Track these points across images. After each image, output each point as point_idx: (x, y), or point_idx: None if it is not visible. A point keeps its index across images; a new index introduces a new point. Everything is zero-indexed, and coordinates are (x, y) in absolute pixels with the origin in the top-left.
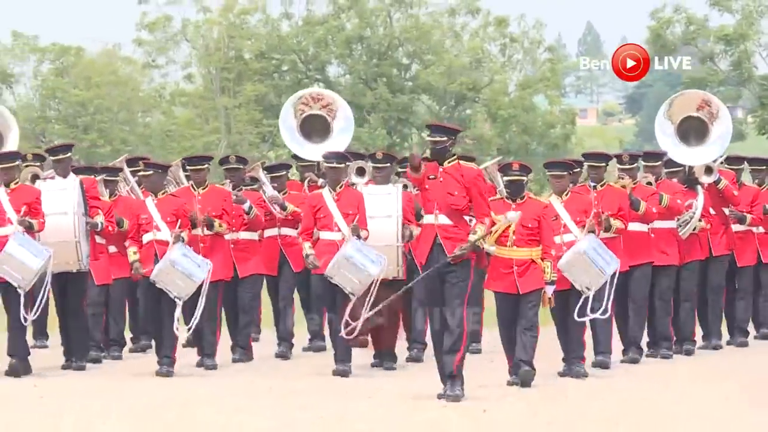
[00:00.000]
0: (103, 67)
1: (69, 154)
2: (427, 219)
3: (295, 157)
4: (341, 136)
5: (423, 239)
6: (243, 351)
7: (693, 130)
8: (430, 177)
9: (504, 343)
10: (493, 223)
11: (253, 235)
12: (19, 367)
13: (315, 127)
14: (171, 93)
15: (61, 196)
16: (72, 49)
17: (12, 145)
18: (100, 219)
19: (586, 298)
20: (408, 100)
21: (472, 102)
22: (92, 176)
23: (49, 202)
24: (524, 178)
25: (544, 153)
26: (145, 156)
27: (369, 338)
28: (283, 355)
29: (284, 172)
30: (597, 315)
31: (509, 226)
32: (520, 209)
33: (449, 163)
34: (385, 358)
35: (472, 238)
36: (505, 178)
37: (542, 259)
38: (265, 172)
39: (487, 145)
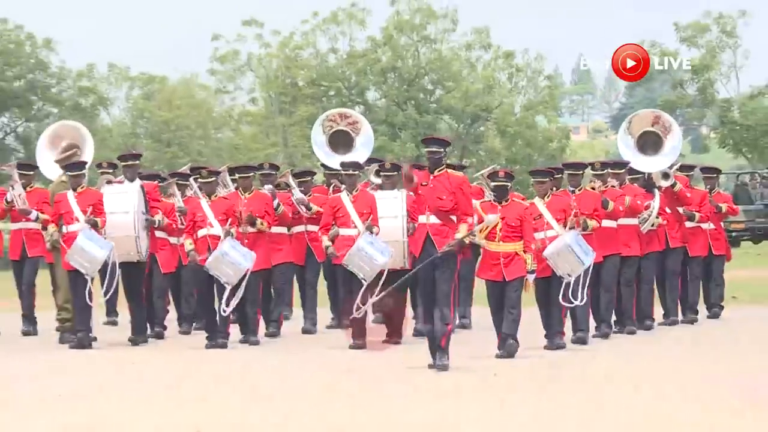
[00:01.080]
0: (183, 92)
1: (137, 162)
2: (421, 219)
3: (323, 165)
4: (362, 150)
5: (417, 235)
6: (276, 324)
7: (650, 143)
8: (423, 184)
9: (495, 323)
10: (481, 220)
11: (283, 230)
12: (85, 341)
13: (341, 141)
14: (238, 114)
15: (123, 198)
16: (157, 77)
17: (88, 155)
18: (158, 217)
19: (568, 284)
20: (432, 120)
21: (484, 121)
22: (154, 182)
23: (113, 202)
24: (508, 183)
25: (544, 163)
26: (206, 165)
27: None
28: (309, 331)
29: (309, 178)
30: (577, 303)
31: (496, 224)
32: (505, 210)
33: (439, 171)
34: (393, 335)
35: (457, 236)
36: (492, 184)
37: (524, 252)
38: (294, 177)
39: (497, 156)
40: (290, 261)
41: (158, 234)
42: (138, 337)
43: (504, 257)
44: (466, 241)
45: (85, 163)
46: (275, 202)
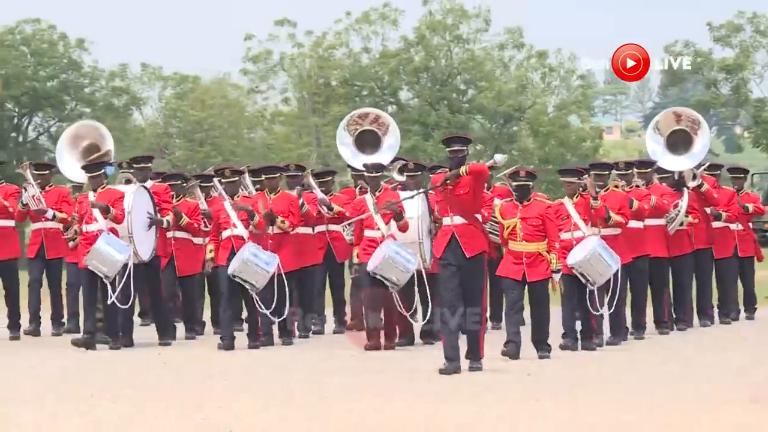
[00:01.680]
0: (216, 92)
1: (149, 164)
2: (445, 221)
3: (349, 166)
4: (389, 152)
5: (441, 237)
6: (288, 333)
7: (681, 141)
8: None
9: (508, 324)
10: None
11: (308, 230)
12: (91, 342)
13: (368, 141)
14: (271, 113)
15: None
16: (190, 77)
17: (108, 157)
18: (167, 218)
19: (592, 292)
20: (465, 119)
21: (517, 121)
22: (171, 181)
23: None
24: (530, 183)
25: (577, 163)
26: (230, 165)
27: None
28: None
29: (330, 178)
30: (607, 311)
31: (515, 225)
32: (526, 210)
33: None
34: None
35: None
36: (514, 183)
37: (548, 252)
38: (315, 177)
39: (530, 156)
40: (318, 263)
41: (179, 235)
42: (164, 338)
43: (527, 257)
44: (462, 172)
45: (104, 163)
46: (300, 201)
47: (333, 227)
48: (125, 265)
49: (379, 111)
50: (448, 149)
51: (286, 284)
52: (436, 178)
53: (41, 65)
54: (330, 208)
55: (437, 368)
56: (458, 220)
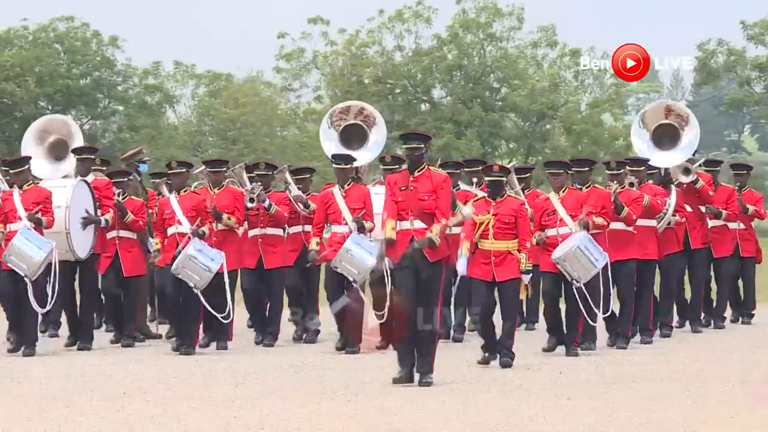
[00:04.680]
0: (248, 90)
1: (92, 156)
2: (403, 225)
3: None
4: (375, 148)
5: (399, 243)
6: (271, 336)
7: (667, 136)
8: (402, 188)
9: (480, 328)
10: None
11: (279, 231)
12: (18, 347)
13: (354, 136)
14: (304, 111)
15: (59, 193)
16: (223, 75)
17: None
18: (106, 217)
19: (585, 297)
20: (498, 117)
21: (550, 119)
22: (115, 179)
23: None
24: (504, 178)
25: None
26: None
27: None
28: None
29: (308, 175)
30: (601, 315)
31: (489, 222)
32: (498, 206)
33: (419, 171)
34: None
35: (429, 235)
36: (486, 179)
37: (518, 251)
38: (291, 174)
39: (563, 154)
40: (285, 265)
41: (123, 234)
42: (84, 342)
43: (495, 256)
44: (436, 241)
45: (28, 158)
46: (267, 203)
47: (310, 228)
48: (50, 264)
49: (364, 104)
50: (405, 146)
51: (227, 284)
52: (391, 178)
53: (74, 63)
54: (306, 206)
55: (469, 366)
56: (418, 224)
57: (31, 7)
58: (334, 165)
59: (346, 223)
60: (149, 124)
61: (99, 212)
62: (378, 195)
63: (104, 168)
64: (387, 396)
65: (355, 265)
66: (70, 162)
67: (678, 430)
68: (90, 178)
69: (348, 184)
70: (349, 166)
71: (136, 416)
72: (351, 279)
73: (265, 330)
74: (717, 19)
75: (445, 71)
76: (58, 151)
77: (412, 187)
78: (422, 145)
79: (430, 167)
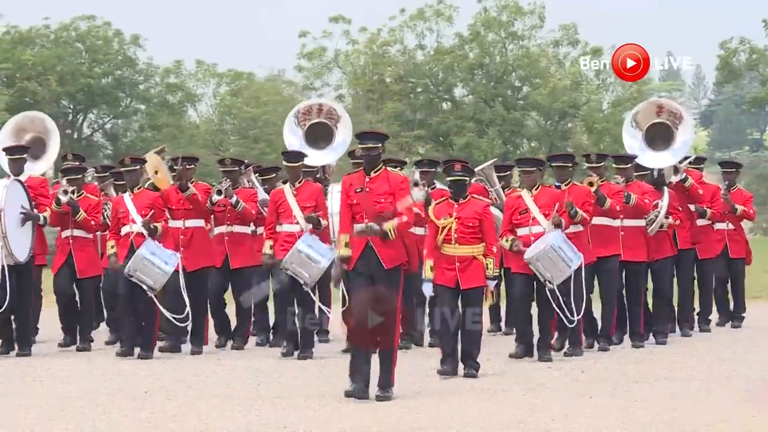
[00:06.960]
0: (270, 88)
1: (23, 155)
2: (358, 229)
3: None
4: (341, 147)
5: (354, 247)
6: (242, 339)
7: (660, 136)
8: (357, 190)
9: (440, 336)
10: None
11: (246, 229)
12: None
13: (319, 135)
14: None
15: None
16: (244, 74)
17: (53, 151)
18: (44, 215)
19: (566, 302)
20: (520, 116)
21: (572, 117)
22: (69, 176)
23: None
24: (467, 178)
25: None
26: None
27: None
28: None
29: (274, 174)
30: (576, 317)
31: (450, 226)
32: (461, 209)
33: (376, 172)
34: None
35: (385, 226)
36: (448, 179)
37: (485, 256)
38: (257, 175)
39: (585, 152)
40: (252, 265)
41: (77, 233)
42: (22, 349)
43: (460, 261)
44: (390, 234)
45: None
46: (233, 199)
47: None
48: None
49: (325, 101)
50: (360, 145)
51: (183, 284)
52: (346, 180)
53: (96, 62)
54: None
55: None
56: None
57: (53, 6)
58: (284, 162)
59: (297, 222)
60: (171, 123)
61: (35, 212)
62: (333, 194)
63: (105, 174)
64: (409, 394)
65: (305, 267)
66: (46, 161)
67: (701, 428)
68: (24, 177)
69: (299, 182)
70: (299, 163)
71: (158, 415)
72: (301, 281)
73: (234, 332)
74: (739, 18)
75: (467, 70)
76: (34, 149)
77: (368, 189)
78: (379, 145)
79: (387, 167)
